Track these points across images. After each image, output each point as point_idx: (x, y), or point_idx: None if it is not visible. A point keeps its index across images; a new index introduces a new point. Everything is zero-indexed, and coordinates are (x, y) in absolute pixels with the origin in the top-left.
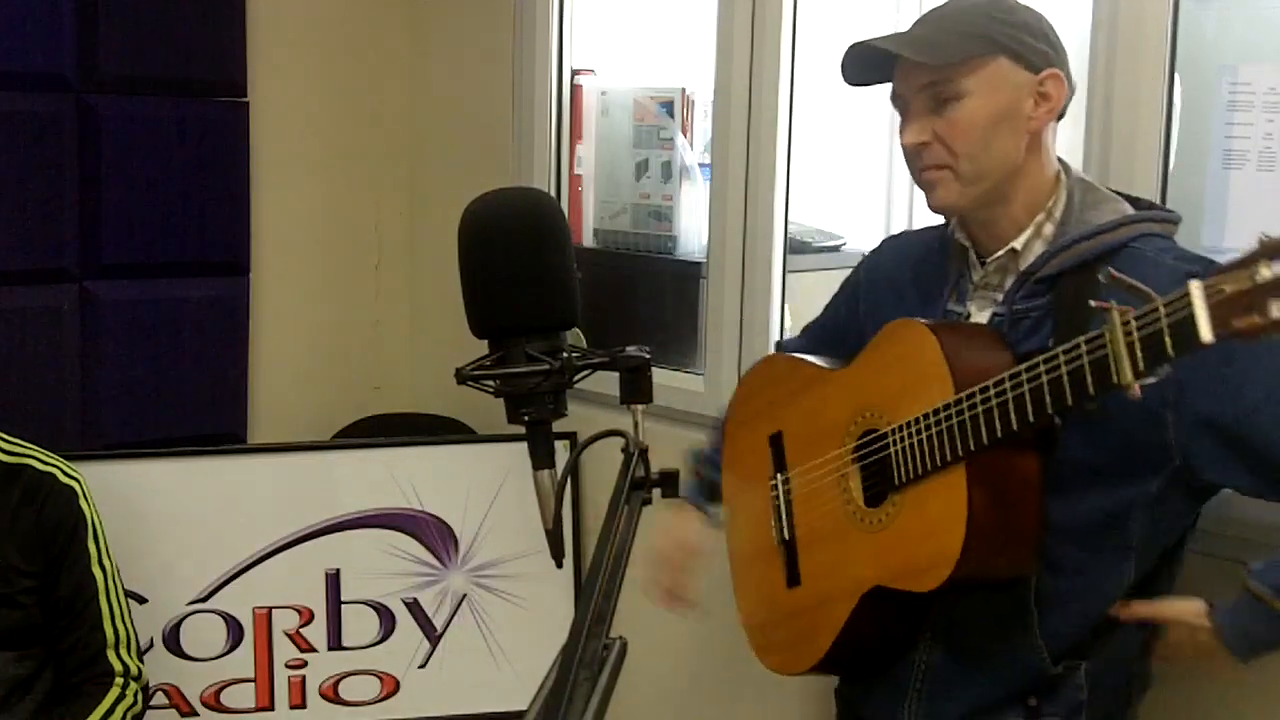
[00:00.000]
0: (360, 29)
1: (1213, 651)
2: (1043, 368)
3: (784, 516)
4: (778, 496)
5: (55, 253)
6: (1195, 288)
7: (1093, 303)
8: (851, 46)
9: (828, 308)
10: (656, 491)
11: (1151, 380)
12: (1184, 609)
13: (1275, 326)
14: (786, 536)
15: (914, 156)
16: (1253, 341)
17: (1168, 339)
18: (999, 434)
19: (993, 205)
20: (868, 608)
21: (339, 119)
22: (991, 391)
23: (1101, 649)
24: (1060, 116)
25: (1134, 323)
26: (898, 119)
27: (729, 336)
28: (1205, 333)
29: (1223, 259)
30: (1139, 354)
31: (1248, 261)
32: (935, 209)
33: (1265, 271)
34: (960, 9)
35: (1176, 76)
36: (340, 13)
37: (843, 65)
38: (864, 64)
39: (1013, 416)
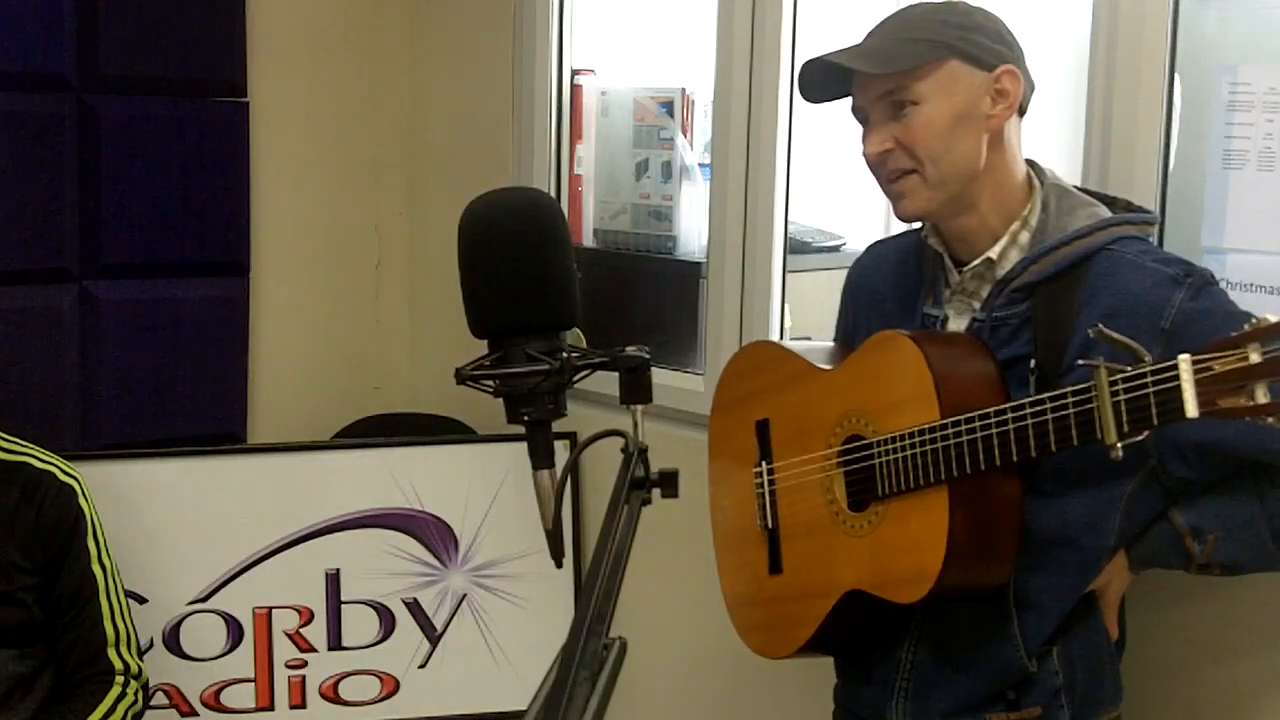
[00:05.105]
0: (360, 29)
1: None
2: (1028, 410)
3: (768, 505)
4: (762, 485)
5: (55, 253)
6: (1184, 362)
7: (1080, 362)
8: (806, 64)
9: (837, 324)
10: (656, 491)
11: (1135, 440)
12: (1121, 584)
13: (1260, 410)
14: (770, 525)
15: (878, 166)
16: (1237, 420)
17: (1154, 408)
18: (981, 466)
19: (963, 212)
20: (847, 607)
21: (339, 119)
22: (977, 424)
23: (1068, 633)
24: (1023, 113)
25: (1121, 384)
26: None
27: (729, 336)
28: (1191, 408)
29: (1222, 259)
30: (1124, 415)
31: (1239, 341)
32: (905, 218)
33: (1254, 355)
34: (910, 16)
35: (1176, 76)
36: (340, 13)
37: (800, 83)
38: (822, 80)
39: (996, 452)
